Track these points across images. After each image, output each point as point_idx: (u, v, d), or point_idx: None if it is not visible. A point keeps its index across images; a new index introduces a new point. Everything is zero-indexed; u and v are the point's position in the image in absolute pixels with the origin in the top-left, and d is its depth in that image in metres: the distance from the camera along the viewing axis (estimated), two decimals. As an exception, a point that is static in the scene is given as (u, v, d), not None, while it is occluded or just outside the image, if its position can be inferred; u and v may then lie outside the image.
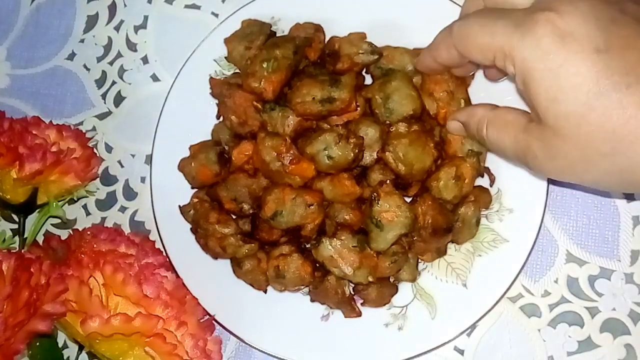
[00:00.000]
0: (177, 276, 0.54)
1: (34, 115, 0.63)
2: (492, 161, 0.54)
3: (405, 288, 0.54)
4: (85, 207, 0.64)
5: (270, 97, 0.53)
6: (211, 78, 0.59)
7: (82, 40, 0.68)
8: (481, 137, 0.46)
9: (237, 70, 0.59)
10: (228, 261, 0.56)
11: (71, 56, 0.68)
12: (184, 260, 0.56)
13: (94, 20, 0.69)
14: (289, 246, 0.53)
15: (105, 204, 0.64)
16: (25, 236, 0.61)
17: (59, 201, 0.60)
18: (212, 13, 0.66)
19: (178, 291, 0.52)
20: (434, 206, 0.51)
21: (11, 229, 0.64)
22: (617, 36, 0.36)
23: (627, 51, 0.36)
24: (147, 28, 0.67)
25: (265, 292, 0.56)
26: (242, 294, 0.56)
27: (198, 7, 0.67)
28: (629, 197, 0.56)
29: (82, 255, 0.50)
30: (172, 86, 0.61)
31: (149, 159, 0.63)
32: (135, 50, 0.67)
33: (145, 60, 0.67)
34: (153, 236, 0.60)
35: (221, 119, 0.59)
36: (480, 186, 0.54)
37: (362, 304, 0.55)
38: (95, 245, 0.53)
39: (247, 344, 0.55)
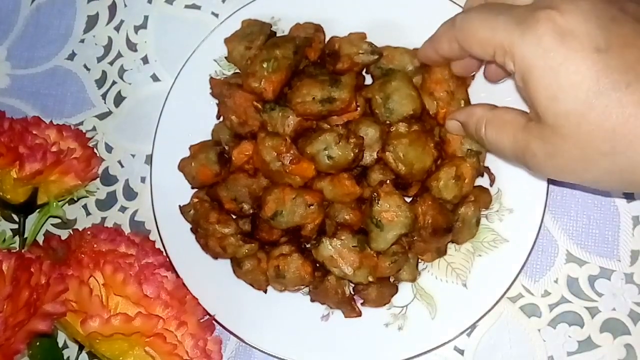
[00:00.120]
0: (177, 276, 0.54)
1: (34, 115, 0.63)
2: (492, 161, 0.54)
3: (405, 288, 0.54)
4: (85, 207, 0.64)
5: (271, 97, 0.53)
6: (211, 78, 0.59)
7: (82, 40, 0.69)
8: (480, 137, 0.46)
9: (237, 70, 0.59)
10: (228, 261, 0.56)
11: (71, 56, 0.68)
12: (184, 260, 0.56)
13: (94, 20, 0.69)
14: (289, 246, 0.53)
15: (105, 204, 0.64)
16: (25, 236, 0.61)
17: (59, 201, 0.60)
18: (212, 13, 0.66)
19: (178, 291, 0.52)
20: (434, 206, 0.51)
21: (11, 229, 0.64)
22: (617, 35, 0.36)
23: (627, 50, 0.36)
24: (147, 28, 0.68)
25: (265, 292, 0.56)
26: (242, 294, 0.56)
27: (198, 7, 0.67)
28: (629, 197, 0.56)
29: (82, 255, 0.50)
30: (172, 86, 0.61)
31: (149, 159, 0.63)
32: (136, 50, 0.67)
33: (145, 60, 0.67)
34: (153, 236, 0.60)
35: (221, 119, 0.59)
36: (480, 186, 0.54)
37: (362, 304, 0.55)
38: (95, 245, 0.53)
39: (247, 344, 0.55)
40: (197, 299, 0.53)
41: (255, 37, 0.57)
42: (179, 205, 0.58)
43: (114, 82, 0.67)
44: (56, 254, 0.53)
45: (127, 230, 0.62)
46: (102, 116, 0.66)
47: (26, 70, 0.69)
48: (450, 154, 0.53)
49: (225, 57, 0.60)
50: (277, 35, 0.59)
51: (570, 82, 0.36)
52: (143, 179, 0.64)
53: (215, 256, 0.56)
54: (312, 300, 0.55)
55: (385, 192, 0.50)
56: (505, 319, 0.55)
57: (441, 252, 0.54)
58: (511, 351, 0.54)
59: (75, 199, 0.63)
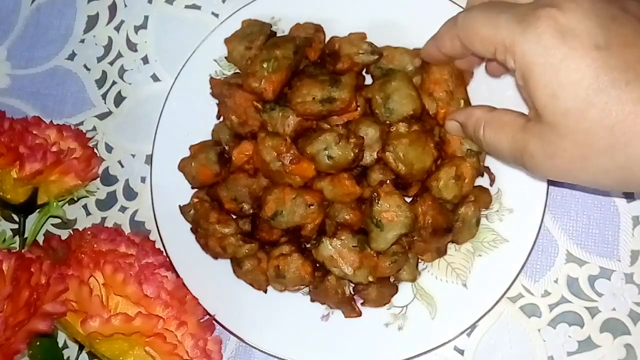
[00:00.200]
0: (177, 276, 0.54)
1: (35, 115, 0.63)
2: (492, 161, 0.54)
3: (405, 288, 0.54)
4: (85, 207, 0.64)
5: (271, 97, 0.53)
6: (211, 78, 0.59)
7: (82, 40, 0.69)
8: (478, 138, 0.46)
9: (238, 70, 0.59)
10: (228, 261, 0.56)
11: (71, 56, 0.68)
12: (184, 260, 0.56)
13: (95, 21, 0.69)
14: (289, 246, 0.53)
15: (105, 204, 0.64)
16: (25, 236, 0.61)
17: (59, 201, 0.60)
18: (213, 13, 0.66)
19: (178, 291, 0.52)
20: (434, 206, 0.51)
21: (11, 229, 0.64)
22: (617, 34, 0.37)
23: (627, 49, 0.36)
24: (147, 28, 0.68)
25: (265, 292, 0.56)
26: (242, 293, 0.56)
27: (198, 7, 0.67)
28: (629, 197, 0.56)
29: (83, 255, 0.50)
30: (172, 86, 0.61)
31: (149, 159, 0.63)
32: (136, 51, 0.67)
33: (145, 60, 0.67)
34: (153, 236, 0.60)
35: (221, 119, 0.59)
36: (480, 186, 0.54)
37: (362, 303, 0.55)
38: (95, 245, 0.53)
39: (247, 343, 0.55)
40: (197, 299, 0.53)
41: (256, 37, 0.57)
42: (179, 205, 0.58)
43: (114, 82, 0.67)
44: (56, 254, 0.53)
45: (127, 230, 0.62)
46: (102, 116, 0.66)
47: (26, 70, 0.69)
48: (450, 154, 0.53)
49: (226, 57, 0.60)
50: (277, 35, 0.59)
51: (570, 79, 0.37)
52: (143, 179, 0.64)
53: (215, 256, 0.56)
54: (312, 300, 0.55)
55: (385, 192, 0.50)
56: (505, 319, 0.55)
57: (441, 252, 0.54)
58: (511, 351, 0.54)
59: (75, 199, 0.63)
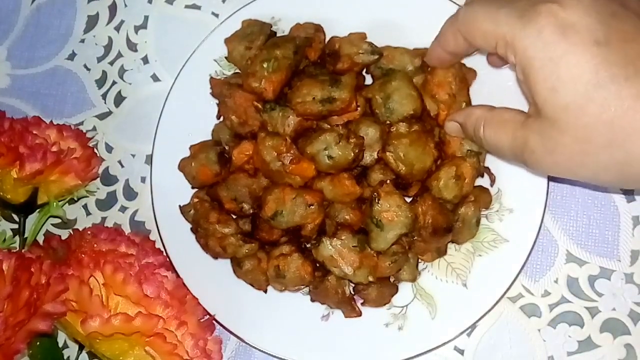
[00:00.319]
0: (178, 276, 0.55)
1: (35, 115, 0.63)
2: (492, 161, 0.54)
3: (405, 288, 0.54)
4: (85, 207, 0.64)
5: (271, 97, 0.53)
6: (211, 78, 0.59)
7: (82, 40, 0.69)
8: (478, 137, 0.47)
9: (238, 70, 0.59)
10: (228, 261, 0.56)
11: (71, 56, 0.68)
12: (184, 260, 0.56)
13: (95, 20, 0.69)
14: (289, 246, 0.53)
15: (105, 204, 0.64)
16: (25, 236, 0.61)
17: (59, 201, 0.60)
18: (213, 13, 0.66)
19: (178, 291, 0.52)
20: (434, 206, 0.51)
21: (11, 229, 0.64)
22: (617, 30, 0.37)
23: (626, 44, 0.36)
24: (147, 28, 0.68)
25: (265, 292, 0.56)
26: (242, 293, 0.56)
27: (198, 7, 0.67)
28: (629, 197, 0.56)
29: (83, 255, 0.50)
30: (172, 86, 0.61)
31: (149, 159, 0.63)
32: (136, 51, 0.67)
33: (145, 60, 0.67)
34: (153, 236, 0.60)
35: (221, 119, 0.59)
36: (480, 186, 0.54)
37: (362, 303, 0.55)
38: (95, 245, 0.53)
39: (247, 343, 0.55)
40: (197, 298, 0.53)
41: (256, 37, 0.57)
42: (179, 205, 0.58)
43: (114, 82, 0.67)
44: (56, 254, 0.53)
45: (127, 230, 0.62)
46: (102, 116, 0.66)
47: (26, 70, 0.69)
48: (450, 154, 0.53)
49: (226, 57, 0.60)
50: (277, 35, 0.59)
51: (570, 74, 0.37)
52: (143, 179, 0.64)
53: (215, 256, 0.56)
54: (312, 300, 0.55)
55: (386, 192, 0.50)
56: (505, 319, 0.55)
57: (441, 252, 0.54)
58: (511, 351, 0.54)
59: (76, 198, 0.63)
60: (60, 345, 0.58)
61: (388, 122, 0.53)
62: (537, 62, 0.38)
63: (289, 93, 0.54)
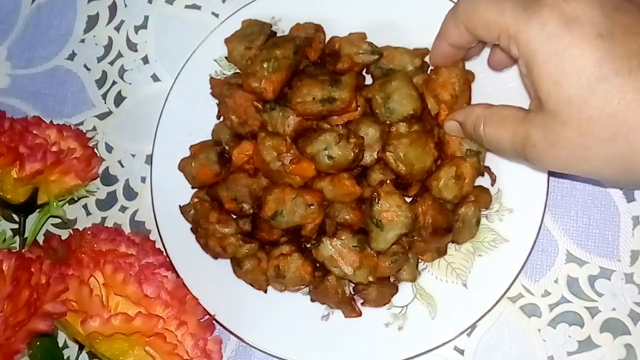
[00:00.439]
0: (178, 276, 0.55)
1: (35, 115, 0.63)
2: (492, 160, 0.54)
3: (405, 288, 0.54)
4: (85, 207, 0.64)
5: (271, 97, 0.53)
6: (211, 78, 0.59)
7: (82, 40, 0.69)
8: (478, 135, 0.47)
9: (238, 70, 0.60)
10: (228, 261, 0.56)
11: (71, 56, 0.68)
12: (184, 260, 0.56)
13: (95, 20, 0.69)
14: (289, 246, 0.53)
15: (105, 204, 0.64)
16: (25, 236, 0.61)
17: (59, 201, 0.61)
18: (213, 13, 0.66)
19: (178, 291, 0.52)
20: (434, 206, 0.51)
21: (11, 229, 0.64)
22: (620, 23, 0.37)
23: (630, 37, 0.36)
24: (147, 28, 0.68)
25: (265, 292, 0.56)
26: (242, 293, 0.56)
27: (198, 7, 0.67)
28: (629, 197, 0.56)
29: (83, 255, 0.51)
30: (172, 86, 0.61)
31: (149, 159, 0.63)
32: (136, 50, 0.67)
33: (145, 60, 0.67)
34: (153, 236, 0.60)
35: (221, 118, 0.59)
36: (480, 186, 0.54)
37: (362, 303, 0.55)
38: (95, 245, 0.53)
39: (247, 343, 0.55)
40: (197, 298, 0.54)
41: (256, 37, 0.57)
42: (179, 205, 0.58)
43: (114, 82, 0.67)
44: (56, 254, 0.53)
45: (127, 230, 0.62)
46: (102, 116, 0.66)
47: (26, 70, 0.69)
48: (450, 155, 0.53)
49: (226, 57, 0.60)
50: (277, 35, 0.59)
51: (573, 67, 0.37)
52: (143, 179, 0.64)
53: (215, 256, 0.56)
54: (312, 300, 0.55)
55: (386, 192, 0.50)
56: (505, 319, 0.55)
57: (441, 252, 0.54)
58: (511, 351, 0.54)
59: (76, 198, 0.63)
60: (60, 345, 0.58)
61: (388, 122, 0.53)
62: (540, 55, 0.38)
63: (289, 93, 0.54)
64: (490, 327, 0.55)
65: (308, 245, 0.54)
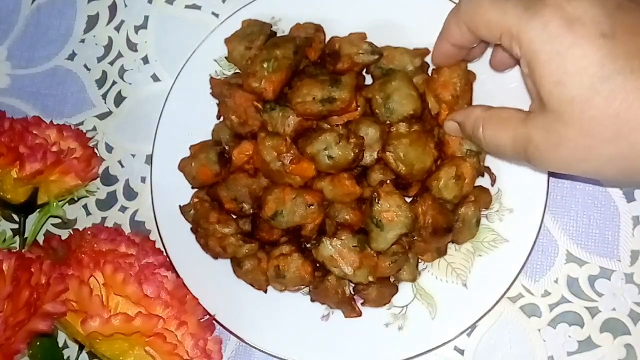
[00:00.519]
0: (178, 276, 0.55)
1: (35, 115, 0.63)
2: (492, 160, 0.54)
3: (405, 288, 0.54)
4: (85, 207, 0.64)
5: (271, 97, 0.53)
6: (211, 78, 0.59)
7: (82, 40, 0.69)
8: (477, 137, 0.47)
9: (238, 70, 0.60)
10: (228, 261, 0.56)
11: (71, 56, 0.68)
12: (184, 260, 0.56)
13: (95, 20, 0.69)
14: (289, 246, 0.53)
15: (105, 204, 0.64)
16: (25, 236, 0.61)
17: (59, 201, 0.61)
18: (213, 13, 0.66)
19: (178, 291, 0.52)
20: (434, 206, 0.51)
21: (11, 229, 0.64)
22: (622, 22, 0.37)
23: (632, 37, 0.37)
24: (147, 28, 0.68)
25: (265, 292, 0.56)
26: (242, 293, 0.56)
27: (198, 7, 0.67)
28: (629, 197, 0.56)
29: (83, 255, 0.51)
30: (172, 86, 0.61)
31: (149, 159, 0.63)
32: (136, 50, 0.67)
33: (145, 60, 0.67)
34: (153, 236, 0.60)
35: (221, 118, 0.59)
36: (480, 186, 0.54)
37: (362, 303, 0.55)
38: (95, 245, 0.53)
39: (247, 343, 0.55)
40: (197, 298, 0.54)
41: (256, 37, 0.57)
42: (179, 205, 0.58)
43: (114, 82, 0.67)
44: (56, 254, 0.53)
45: (127, 230, 0.62)
46: (102, 116, 0.66)
47: (26, 70, 0.69)
48: (450, 155, 0.53)
49: (226, 57, 0.60)
50: (277, 35, 0.59)
51: (576, 67, 0.37)
52: (143, 179, 0.64)
53: (215, 256, 0.56)
54: (312, 300, 0.55)
55: (386, 192, 0.50)
56: (505, 319, 0.55)
57: (441, 252, 0.54)
58: (511, 351, 0.54)
59: (76, 198, 0.63)
60: (60, 345, 0.58)
61: (388, 122, 0.53)
62: (543, 55, 0.38)
63: (289, 93, 0.54)
64: (490, 327, 0.55)
65: (308, 245, 0.54)
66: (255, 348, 0.55)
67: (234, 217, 0.56)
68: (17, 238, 0.61)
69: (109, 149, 0.65)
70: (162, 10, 0.68)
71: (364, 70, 0.57)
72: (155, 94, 0.65)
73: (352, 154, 0.51)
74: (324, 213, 0.53)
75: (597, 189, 0.56)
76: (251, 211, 0.55)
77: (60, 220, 0.64)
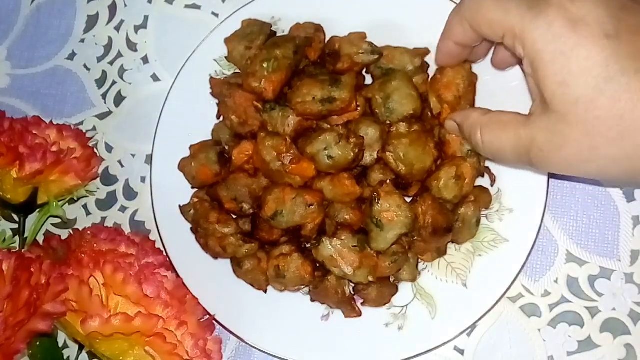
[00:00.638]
0: (177, 276, 0.55)
1: (35, 115, 0.63)
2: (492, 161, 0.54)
3: (405, 288, 0.54)
4: (85, 206, 0.64)
5: (271, 97, 0.53)
6: (211, 78, 0.59)
7: (82, 40, 0.69)
8: (475, 141, 0.46)
9: (238, 70, 0.60)
10: (228, 261, 0.56)
11: (71, 56, 0.68)
12: (184, 260, 0.56)
13: (94, 20, 0.69)
14: (289, 246, 0.53)
15: (105, 204, 0.64)
16: (25, 236, 0.61)
17: (59, 201, 0.61)
18: (213, 13, 0.66)
19: (178, 291, 0.52)
20: (434, 206, 0.51)
21: (11, 229, 0.64)
22: (626, 23, 0.37)
23: (636, 37, 0.37)
24: (147, 28, 0.68)
25: (265, 292, 0.56)
26: (242, 293, 0.56)
27: (198, 7, 0.67)
28: (629, 197, 0.56)
29: (83, 255, 0.50)
30: (172, 86, 0.61)
31: (149, 159, 0.63)
32: (136, 50, 0.67)
33: (145, 60, 0.67)
34: (153, 236, 0.60)
35: (221, 118, 0.59)
36: (480, 186, 0.54)
37: (362, 303, 0.55)
38: (95, 245, 0.53)
39: (247, 343, 0.55)
40: (197, 298, 0.54)
41: (256, 37, 0.57)
42: (179, 205, 0.58)
43: (114, 82, 0.67)
44: (56, 254, 0.53)
45: (127, 230, 0.62)
46: (102, 116, 0.66)
47: (26, 70, 0.69)
48: (450, 155, 0.53)
49: (226, 57, 0.60)
50: (277, 35, 0.59)
51: (580, 67, 0.37)
52: (143, 179, 0.64)
53: (215, 256, 0.56)
54: (312, 300, 0.55)
55: (386, 192, 0.50)
56: (505, 319, 0.55)
57: (441, 252, 0.54)
58: (511, 351, 0.54)
59: (76, 198, 0.63)
60: (60, 345, 0.58)
61: (388, 122, 0.53)
62: (546, 55, 0.38)
63: (289, 93, 0.54)
64: (490, 327, 0.55)
65: (308, 245, 0.54)
66: (255, 348, 0.55)
67: (234, 217, 0.56)
68: (17, 238, 0.61)
69: (109, 149, 0.65)
70: (162, 10, 0.68)
71: (364, 70, 0.57)
72: (155, 94, 0.65)
73: (352, 154, 0.51)
74: (324, 213, 0.53)
75: (597, 189, 0.56)
76: (251, 211, 0.55)
77: (60, 220, 0.64)
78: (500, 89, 0.54)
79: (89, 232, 0.55)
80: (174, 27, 0.67)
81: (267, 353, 0.55)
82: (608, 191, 0.56)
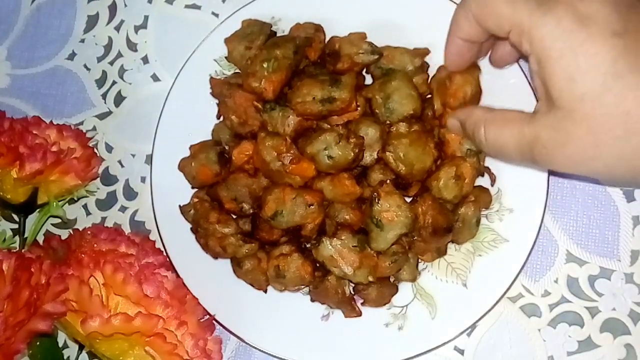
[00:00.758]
0: (177, 276, 0.55)
1: (35, 115, 0.63)
2: (492, 161, 0.54)
3: (405, 288, 0.54)
4: (85, 206, 0.64)
5: (271, 97, 0.53)
6: (211, 78, 0.59)
7: (82, 40, 0.69)
8: (479, 139, 0.46)
9: (238, 70, 0.60)
10: (228, 261, 0.56)
11: (71, 56, 0.68)
12: (184, 260, 0.56)
13: (95, 20, 0.69)
14: (289, 246, 0.53)
15: (105, 204, 0.64)
16: (25, 236, 0.61)
17: (59, 201, 0.61)
18: (213, 13, 0.66)
19: (178, 291, 0.52)
20: (434, 206, 0.51)
21: (11, 229, 0.64)
22: (634, 21, 0.37)
23: None
24: (147, 28, 0.68)
25: (265, 292, 0.56)
26: (242, 293, 0.56)
27: (198, 7, 0.67)
28: (629, 197, 0.56)
29: (83, 255, 0.51)
30: (172, 86, 0.61)
31: (149, 159, 0.63)
32: (136, 50, 0.67)
33: (145, 60, 0.67)
34: (153, 236, 0.60)
35: (221, 118, 0.59)
36: (480, 186, 0.54)
37: (362, 303, 0.55)
38: (95, 245, 0.53)
39: (247, 343, 0.55)
40: (197, 298, 0.54)
41: (256, 37, 0.57)
42: (179, 205, 0.58)
43: (114, 82, 0.67)
44: (56, 254, 0.53)
45: (127, 230, 0.62)
46: (102, 116, 0.66)
47: (26, 70, 0.69)
48: (450, 155, 0.53)
49: (226, 57, 0.60)
50: (277, 35, 0.59)
51: (588, 64, 0.37)
52: (143, 179, 0.64)
53: (215, 256, 0.56)
54: (312, 300, 0.55)
55: (386, 192, 0.50)
56: (505, 319, 0.55)
57: (441, 252, 0.54)
58: (511, 351, 0.54)
59: (76, 198, 0.63)
60: (60, 345, 0.58)
61: (388, 122, 0.53)
62: (554, 52, 0.38)
63: (289, 93, 0.54)
64: (490, 327, 0.55)
65: (308, 245, 0.54)
66: (255, 348, 0.55)
67: (234, 217, 0.56)
68: (17, 238, 0.61)
69: (109, 149, 0.65)
70: (162, 10, 0.68)
71: (364, 70, 0.57)
72: (155, 94, 0.65)
73: (352, 154, 0.51)
74: (324, 213, 0.53)
75: (597, 189, 0.56)
76: (251, 211, 0.55)
77: (60, 220, 0.64)
78: (500, 88, 0.53)
79: (89, 232, 0.55)
80: (174, 27, 0.67)
81: (267, 353, 0.55)
82: (608, 191, 0.56)
